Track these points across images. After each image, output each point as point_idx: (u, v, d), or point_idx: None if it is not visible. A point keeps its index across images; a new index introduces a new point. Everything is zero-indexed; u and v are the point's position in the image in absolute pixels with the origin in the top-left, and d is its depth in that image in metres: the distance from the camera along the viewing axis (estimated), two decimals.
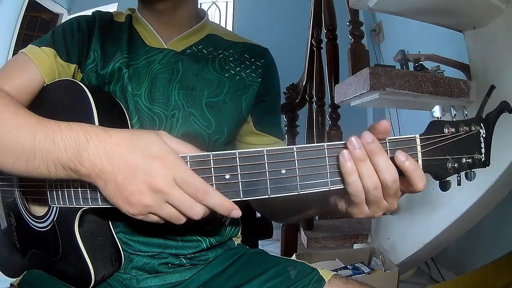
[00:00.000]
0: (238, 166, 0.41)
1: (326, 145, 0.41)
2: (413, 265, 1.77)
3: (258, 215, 0.93)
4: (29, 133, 0.44)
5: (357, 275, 1.49)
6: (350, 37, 1.56)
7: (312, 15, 1.96)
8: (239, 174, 0.41)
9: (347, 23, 1.57)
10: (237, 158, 0.41)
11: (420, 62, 1.46)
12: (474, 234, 1.55)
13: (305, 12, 2.17)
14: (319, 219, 1.76)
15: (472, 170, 0.42)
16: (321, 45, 1.92)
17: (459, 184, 0.42)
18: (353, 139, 0.40)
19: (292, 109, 2.11)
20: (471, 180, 0.42)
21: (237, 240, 0.73)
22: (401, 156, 0.40)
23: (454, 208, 1.25)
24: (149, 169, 0.40)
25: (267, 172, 0.41)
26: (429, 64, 1.45)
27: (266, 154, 0.41)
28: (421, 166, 0.41)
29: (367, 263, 1.62)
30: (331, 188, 0.41)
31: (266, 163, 0.41)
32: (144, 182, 0.40)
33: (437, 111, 0.41)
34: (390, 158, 0.40)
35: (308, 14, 2.03)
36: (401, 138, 0.41)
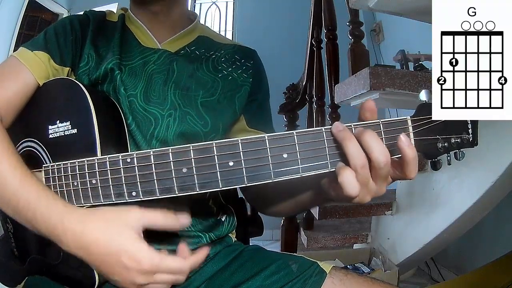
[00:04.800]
0: (241, 153, 0.42)
1: (324, 128, 0.42)
2: (413, 265, 1.77)
3: (249, 213, 0.94)
4: (12, 193, 0.46)
5: None
6: (350, 37, 1.56)
7: (312, 15, 1.96)
8: (242, 161, 0.42)
9: (347, 23, 1.57)
10: (240, 144, 0.42)
11: (420, 62, 1.46)
12: (474, 234, 1.55)
13: (305, 12, 2.17)
14: (319, 219, 1.76)
15: (461, 150, 0.44)
16: (321, 45, 1.92)
17: (449, 163, 0.45)
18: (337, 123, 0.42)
19: (292, 109, 2.11)
20: (460, 160, 0.44)
21: (233, 237, 0.74)
22: (404, 138, 0.41)
23: (454, 208, 1.25)
24: (128, 270, 0.43)
25: (269, 157, 0.42)
26: (429, 64, 1.45)
27: (268, 140, 0.42)
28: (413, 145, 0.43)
29: (367, 263, 1.62)
30: (331, 170, 0.43)
31: (268, 148, 0.42)
32: (126, 278, 0.44)
33: (423, 95, 0.43)
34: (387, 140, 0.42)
35: (308, 14, 2.03)
36: (393, 120, 0.43)
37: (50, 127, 0.54)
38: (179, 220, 0.47)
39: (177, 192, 0.44)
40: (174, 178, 0.44)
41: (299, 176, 0.42)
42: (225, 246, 0.69)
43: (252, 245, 0.72)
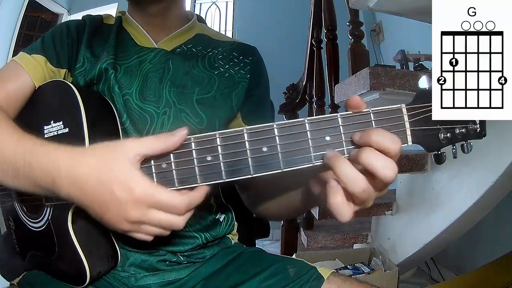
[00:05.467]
0: (219, 147, 0.41)
1: (307, 119, 0.40)
2: (413, 265, 1.77)
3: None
4: (11, 151, 0.46)
5: (357, 275, 1.49)
6: (350, 37, 1.56)
7: (312, 15, 1.96)
8: (220, 155, 0.41)
9: (347, 23, 1.57)
10: (217, 138, 0.41)
11: (420, 62, 1.46)
12: (474, 234, 1.55)
13: (305, 12, 2.17)
14: (319, 219, 1.76)
15: (468, 141, 0.40)
16: (321, 45, 1.92)
17: (455, 157, 0.40)
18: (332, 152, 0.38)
19: (292, 109, 2.11)
20: (467, 153, 0.40)
21: (234, 239, 0.73)
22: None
23: (454, 208, 1.25)
24: (120, 202, 0.40)
25: (248, 150, 0.40)
26: (429, 64, 1.46)
27: (246, 133, 0.40)
28: (409, 137, 0.40)
29: (367, 263, 1.62)
30: (315, 164, 0.40)
31: (246, 142, 0.40)
32: (118, 214, 0.41)
33: (423, 82, 0.40)
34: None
35: (308, 14, 2.03)
36: (385, 108, 0.39)
37: (45, 127, 0.56)
38: (176, 136, 0.41)
39: None
40: (154, 174, 0.44)
41: (280, 171, 0.40)
42: (224, 247, 0.69)
43: (252, 248, 0.71)
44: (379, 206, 1.56)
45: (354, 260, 1.62)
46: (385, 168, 0.36)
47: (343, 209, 0.38)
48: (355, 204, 0.39)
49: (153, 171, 0.44)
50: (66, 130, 0.54)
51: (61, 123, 0.55)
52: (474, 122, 0.40)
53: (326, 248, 1.70)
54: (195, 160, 0.41)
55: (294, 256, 1.60)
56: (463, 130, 0.40)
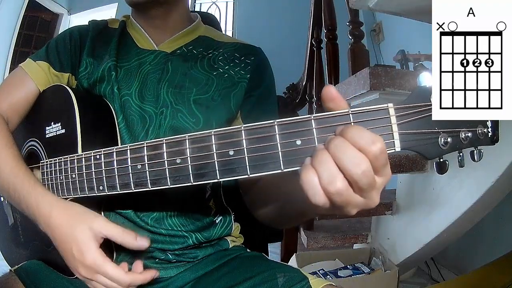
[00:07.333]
0: (188, 149, 0.40)
1: (277, 121, 0.36)
2: (413, 265, 1.77)
3: None
4: (5, 178, 0.55)
5: (357, 275, 1.49)
6: (350, 37, 1.56)
7: (312, 15, 1.96)
8: (188, 158, 0.40)
9: (347, 23, 1.57)
10: (187, 141, 0.41)
11: (420, 62, 1.46)
12: (474, 234, 1.55)
13: (305, 12, 2.18)
14: (319, 219, 1.76)
15: (477, 148, 0.34)
16: (321, 45, 1.92)
17: (461, 165, 0.34)
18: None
19: (292, 109, 2.11)
20: (477, 161, 0.34)
21: (237, 241, 0.72)
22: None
23: (454, 208, 1.25)
24: (74, 259, 0.50)
25: (214, 154, 0.39)
26: (429, 64, 1.46)
27: (214, 135, 0.39)
28: (397, 142, 0.34)
29: (367, 263, 1.62)
30: (285, 171, 0.37)
31: (213, 145, 0.39)
32: (73, 266, 0.51)
33: (426, 78, 0.35)
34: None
35: (308, 14, 2.04)
36: (369, 108, 0.34)
37: (47, 127, 0.61)
38: (138, 241, 0.51)
39: (133, 188, 0.45)
40: (130, 174, 0.45)
41: (247, 176, 0.38)
42: (219, 249, 0.67)
43: (250, 252, 0.69)
44: (379, 206, 1.56)
45: (354, 260, 1.62)
46: (351, 161, 0.31)
47: (316, 188, 0.33)
48: (333, 206, 0.34)
49: (130, 171, 0.45)
50: (63, 131, 0.58)
51: (59, 124, 0.59)
52: (484, 124, 0.34)
53: (326, 248, 1.70)
54: (166, 162, 0.42)
55: (294, 256, 1.61)
56: (469, 134, 0.34)
